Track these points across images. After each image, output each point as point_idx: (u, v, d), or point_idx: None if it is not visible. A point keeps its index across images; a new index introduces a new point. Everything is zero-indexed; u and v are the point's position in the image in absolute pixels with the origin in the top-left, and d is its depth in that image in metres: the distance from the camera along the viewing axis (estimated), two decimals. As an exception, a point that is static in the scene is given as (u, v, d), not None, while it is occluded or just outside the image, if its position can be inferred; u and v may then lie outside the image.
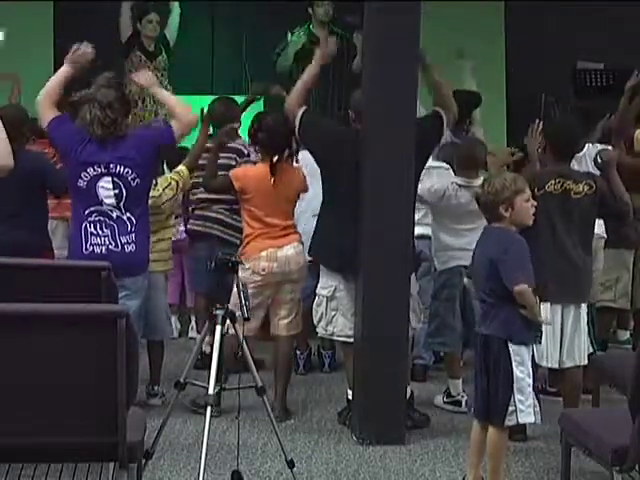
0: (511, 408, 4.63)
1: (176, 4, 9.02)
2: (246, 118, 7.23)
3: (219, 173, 6.29)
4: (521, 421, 4.68)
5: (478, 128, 7.67)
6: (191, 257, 7.14)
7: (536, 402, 4.70)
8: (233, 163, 6.62)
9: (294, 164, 6.12)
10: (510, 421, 4.65)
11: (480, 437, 4.80)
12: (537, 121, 6.02)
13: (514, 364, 4.61)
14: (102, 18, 9.08)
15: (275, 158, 5.95)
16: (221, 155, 6.71)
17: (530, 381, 4.65)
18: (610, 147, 6.81)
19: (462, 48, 8.52)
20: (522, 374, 4.62)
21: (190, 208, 7.07)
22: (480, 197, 4.81)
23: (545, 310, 5.43)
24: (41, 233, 5.93)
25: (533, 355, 4.80)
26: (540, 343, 4.88)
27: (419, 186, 5.90)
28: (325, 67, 8.80)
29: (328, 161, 5.79)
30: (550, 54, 9.74)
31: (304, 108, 5.84)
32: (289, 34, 8.87)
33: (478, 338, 4.79)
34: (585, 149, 6.67)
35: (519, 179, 4.79)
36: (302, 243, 6.04)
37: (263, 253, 5.93)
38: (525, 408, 4.64)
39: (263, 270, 5.91)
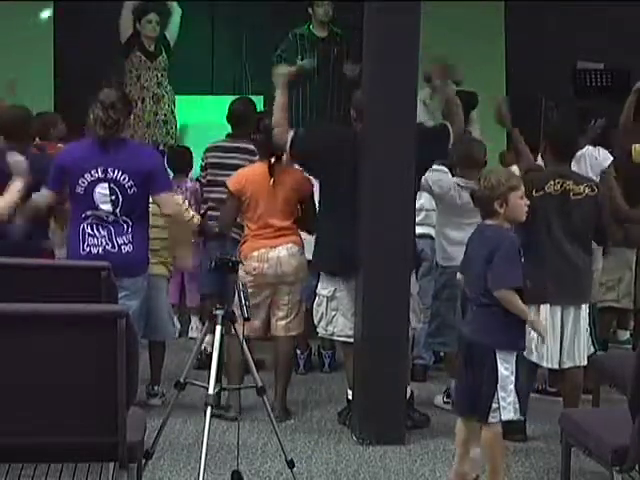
0: (494, 405, 4.65)
1: (176, 5, 9.01)
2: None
3: (231, 173, 6.29)
4: (503, 418, 4.70)
5: (475, 128, 7.66)
6: (203, 257, 7.15)
7: (516, 399, 4.72)
8: (247, 164, 6.62)
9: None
10: (494, 418, 4.67)
11: (464, 431, 4.84)
12: (500, 97, 6.15)
13: (499, 362, 4.64)
14: (102, 18, 9.08)
15: (273, 159, 5.95)
16: (236, 156, 6.74)
17: (513, 378, 4.68)
18: (606, 150, 6.81)
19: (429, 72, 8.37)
20: (507, 371, 4.65)
21: (204, 207, 7.10)
22: (476, 192, 4.84)
23: (545, 311, 5.45)
24: (44, 234, 5.91)
25: (520, 355, 4.82)
26: (524, 349, 4.90)
27: (426, 175, 5.92)
28: (324, 68, 8.87)
29: (328, 163, 5.76)
30: (550, 54, 9.74)
31: (292, 132, 5.82)
32: (290, 35, 8.87)
33: (462, 336, 4.82)
34: (585, 149, 6.67)
35: (514, 176, 4.87)
36: (300, 245, 6.03)
37: (255, 253, 5.92)
38: (507, 405, 4.67)
39: (254, 270, 5.90)
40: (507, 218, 4.74)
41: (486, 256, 4.66)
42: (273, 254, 5.93)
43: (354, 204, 5.62)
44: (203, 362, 6.05)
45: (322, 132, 6.01)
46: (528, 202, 4.80)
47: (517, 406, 4.71)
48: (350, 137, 5.78)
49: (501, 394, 4.64)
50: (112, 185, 5.41)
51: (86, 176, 5.42)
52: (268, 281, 5.95)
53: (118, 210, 5.43)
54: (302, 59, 8.78)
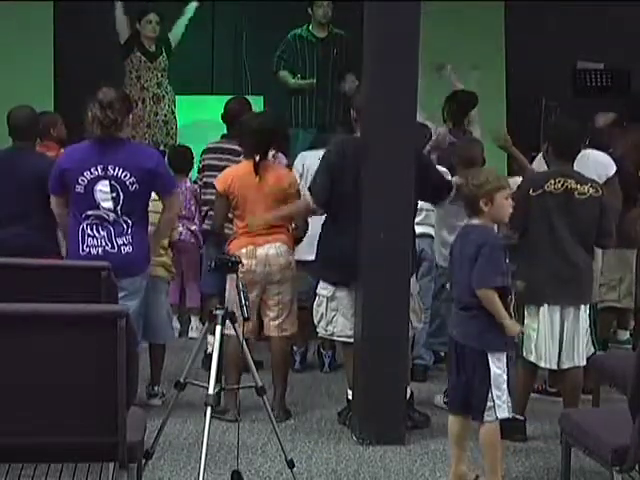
0: (489, 404, 4.66)
1: (194, 5, 8.96)
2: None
3: (217, 174, 6.29)
4: (499, 416, 4.70)
5: (476, 128, 7.67)
6: (204, 257, 7.16)
7: (509, 398, 4.74)
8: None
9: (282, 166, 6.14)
10: (489, 417, 4.69)
11: (457, 429, 4.85)
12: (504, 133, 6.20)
13: (491, 361, 4.66)
14: (102, 18, 9.07)
15: (257, 157, 5.94)
16: (220, 157, 6.75)
17: (506, 376, 4.70)
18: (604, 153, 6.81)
19: (442, 63, 8.32)
20: (499, 370, 4.67)
21: (204, 209, 7.10)
22: (463, 189, 4.85)
23: (544, 312, 5.45)
24: (53, 235, 5.92)
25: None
26: (512, 350, 4.92)
27: None
28: (324, 68, 8.87)
29: (340, 192, 5.74)
30: (550, 54, 9.74)
31: (307, 191, 5.87)
32: (289, 36, 8.87)
33: (452, 337, 4.83)
34: (587, 150, 6.65)
35: (502, 177, 4.88)
36: (289, 244, 6.00)
37: (243, 250, 5.91)
38: (501, 403, 4.69)
39: (242, 267, 5.88)
40: (492, 217, 4.76)
41: (472, 256, 4.68)
42: (261, 251, 5.92)
43: (357, 217, 5.61)
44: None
45: (327, 172, 5.86)
46: (513, 204, 4.82)
47: (510, 404, 4.74)
48: (349, 153, 5.74)
49: (495, 393, 4.66)
50: (113, 182, 5.40)
51: (85, 174, 5.40)
52: (257, 279, 5.92)
53: (119, 208, 5.42)
54: (302, 60, 8.80)
